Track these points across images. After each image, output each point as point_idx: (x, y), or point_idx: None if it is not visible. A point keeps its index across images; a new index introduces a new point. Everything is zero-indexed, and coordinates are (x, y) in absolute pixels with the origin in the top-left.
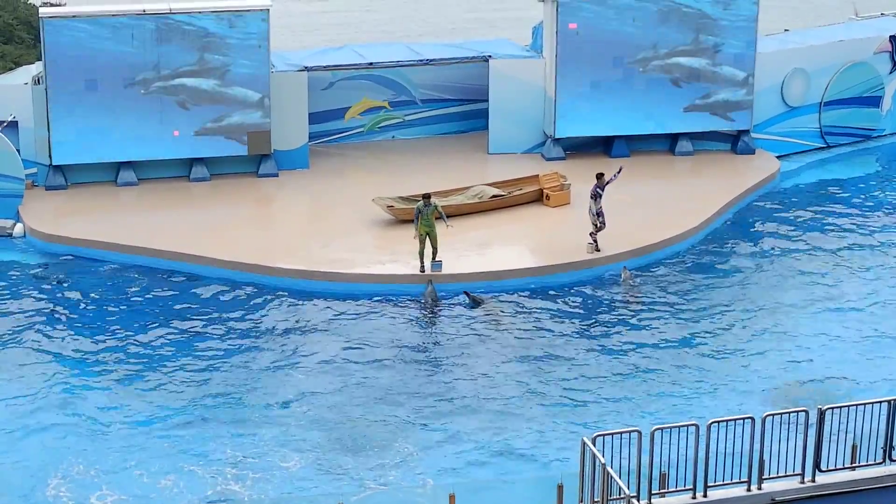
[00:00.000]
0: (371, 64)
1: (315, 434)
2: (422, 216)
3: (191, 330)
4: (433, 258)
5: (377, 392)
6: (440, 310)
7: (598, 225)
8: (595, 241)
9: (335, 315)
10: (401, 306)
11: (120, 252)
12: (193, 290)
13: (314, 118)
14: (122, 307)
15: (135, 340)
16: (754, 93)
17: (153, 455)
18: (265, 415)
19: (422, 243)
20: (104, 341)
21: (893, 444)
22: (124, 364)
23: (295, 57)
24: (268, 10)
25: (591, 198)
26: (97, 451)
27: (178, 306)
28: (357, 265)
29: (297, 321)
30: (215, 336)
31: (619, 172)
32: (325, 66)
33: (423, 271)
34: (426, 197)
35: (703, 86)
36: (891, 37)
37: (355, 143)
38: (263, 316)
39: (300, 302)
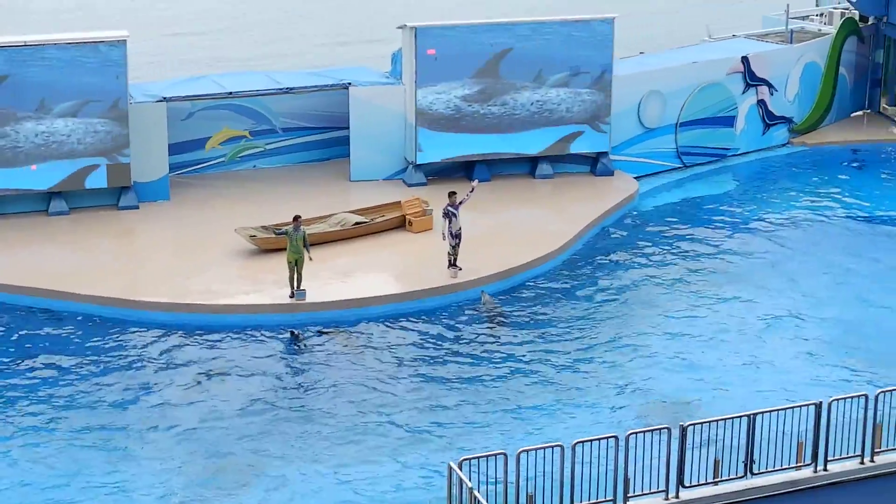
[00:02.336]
0: (231, 93)
1: (178, 471)
2: (290, 241)
3: (53, 367)
4: (298, 286)
5: (241, 425)
6: (305, 342)
7: (454, 245)
8: (455, 262)
9: (200, 347)
10: (265, 337)
11: None
12: (55, 327)
13: (174, 149)
14: None
15: None
16: (611, 115)
17: (13, 495)
18: (130, 450)
19: (291, 270)
20: None
21: (754, 457)
22: None
23: (154, 87)
24: (125, 41)
25: (444, 217)
26: None
27: (38, 344)
28: (221, 296)
29: (161, 354)
30: (79, 373)
31: (471, 191)
32: (184, 97)
33: (292, 297)
34: (295, 220)
35: (562, 109)
36: (743, 58)
37: (217, 174)
38: (128, 351)
39: (165, 335)
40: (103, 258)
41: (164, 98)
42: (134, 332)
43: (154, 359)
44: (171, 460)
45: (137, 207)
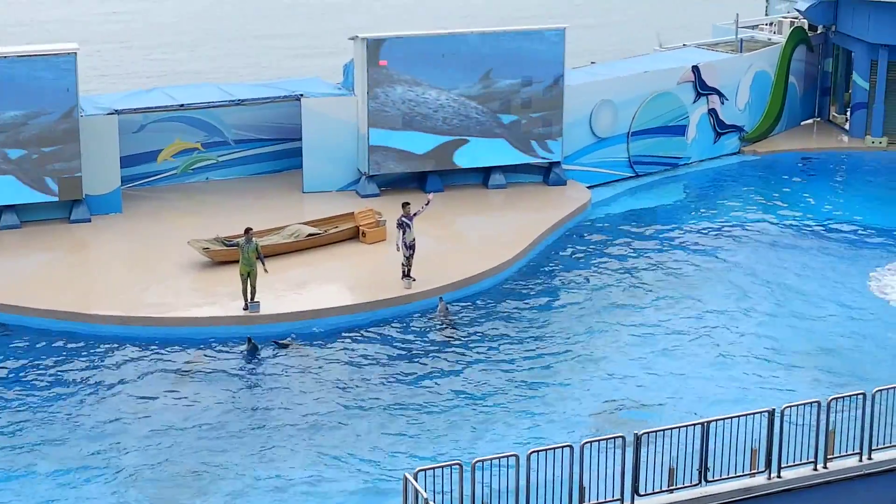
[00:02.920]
0: (182, 105)
1: (131, 483)
2: (242, 254)
3: (3, 381)
4: (251, 299)
5: (197, 438)
6: (260, 353)
7: (408, 256)
8: (409, 272)
9: (154, 360)
10: (220, 349)
11: None
12: (6, 341)
13: (126, 161)
14: None
15: None
16: (563, 125)
17: None
18: (86, 463)
19: (244, 282)
20: None
21: (708, 465)
22: None
23: (105, 100)
24: (75, 54)
25: (398, 228)
26: None
27: None
28: (175, 309)
29: (115, 368)
30: (30, 386)
31: (427, 203)
32: (135, 109)
33: (246, 310)
34: (247, 232)
35: (514, 119)
36: (693, 67)
37: (169, 186)
38: (81, 364)
39: (118, 348)
40: (55, 272)
41: (116, 110)
42: (87, 345)
43: (107, 372)
44: (125, 472)
45: (89, 220)
